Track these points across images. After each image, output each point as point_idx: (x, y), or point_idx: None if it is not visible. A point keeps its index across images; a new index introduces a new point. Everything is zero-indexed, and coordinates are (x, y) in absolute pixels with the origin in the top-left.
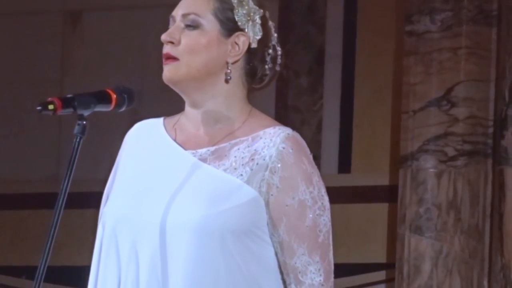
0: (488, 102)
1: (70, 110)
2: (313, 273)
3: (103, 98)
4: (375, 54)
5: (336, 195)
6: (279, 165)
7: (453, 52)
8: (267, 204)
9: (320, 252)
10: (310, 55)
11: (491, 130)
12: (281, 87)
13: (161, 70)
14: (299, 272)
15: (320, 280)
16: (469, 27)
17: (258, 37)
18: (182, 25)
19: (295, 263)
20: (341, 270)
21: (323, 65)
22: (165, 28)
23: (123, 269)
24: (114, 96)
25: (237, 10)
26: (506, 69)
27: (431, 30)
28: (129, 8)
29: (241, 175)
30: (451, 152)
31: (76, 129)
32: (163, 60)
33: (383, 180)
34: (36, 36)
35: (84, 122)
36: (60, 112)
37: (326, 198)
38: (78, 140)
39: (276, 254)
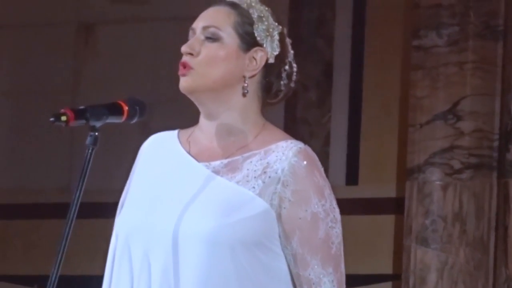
0: (493, 116)
1: (83, 121)
2: (327, 284)
3: (115, 109)
4: (382, 68)
5: (344, 206)
6: (291, 179)
7: (460, 66)
8: (279, 217)
9: (333, 264)
10: (318, 68)
11: (496, 143)
12: (290, 100)
13: (172, 82)
14: (313, 284)
15: None
16: (476, 42)
17: (276, 53)
18: (202, 37)
19: (309, 274)
20: (349, 280)
21: (331, 78)
22: (178, 40)
23: (136, 278)
24: (126, 108)
25: (256, 26)
26: (511, 83)
27: (438, 45)
28: (141, 21)
29: (253, 187)
30: (457, 165)
31: (88, 140)
32: (180, 69)
33: (390, 192)
34: (49, 48)
35: (96, 133)
36: (73, 123)
37: (337, 210)
38: (90, 151)
39: (287, 265)
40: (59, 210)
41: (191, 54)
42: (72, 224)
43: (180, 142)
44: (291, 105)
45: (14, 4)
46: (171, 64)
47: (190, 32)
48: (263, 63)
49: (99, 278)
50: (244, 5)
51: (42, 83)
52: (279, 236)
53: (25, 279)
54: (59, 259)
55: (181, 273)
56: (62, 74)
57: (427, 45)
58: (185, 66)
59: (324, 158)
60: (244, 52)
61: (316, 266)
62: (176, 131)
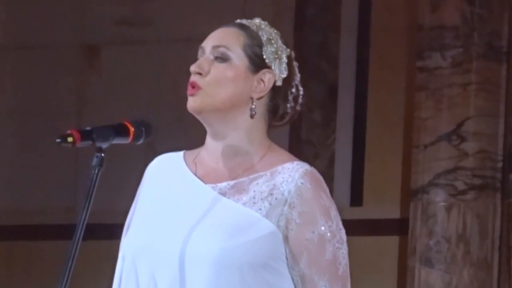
0: (497, 137)
1: (89, 142)
2: None
3: (121, 130)
4: (387, 89)
5: (348, 227)
6: (298, 201)
7: (463, 87)
8: (285, 238)
9: (341, 284)
10: (323, 90)
11: (500, 164)
12: (295, 121)
13: (176, 103)
14: None
15: None
16: (479, 63)
17: (284, 76)
18: (212, 57)
19: None
20: None
21: (336, 100)
22: (181, 62)
23: None
24: (132, 129)
25: (265, 48)
26: None
27: (442, 66)
28: (145, 42)
29: (260, 209)
30: (461, 186)
31: (95, 161)
32: (188, 88)
33: (394, 213)
34: (54, 69)
35: (103, 154)
36: (79, 144)
37: (343, 231)
38: (96, 172)
39: (294, 286)
40: (64, 231)
41: (199, 73)
42: (79, 245)
43: (186, 164)
44: (296, 126)
45: (20, 26)
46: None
47: (199, 51)
48: (270, 85)
49: None
50: (254, 27)
51: (47, 104)
52: (286, 258)
53: None
54: (65, 280)
55: None
56: (66, 95)
57: (431, 66)
58: (194, 86)
59: (328, 179)
60: (252, 73)
61: (324, 287)
62: (181, 152)
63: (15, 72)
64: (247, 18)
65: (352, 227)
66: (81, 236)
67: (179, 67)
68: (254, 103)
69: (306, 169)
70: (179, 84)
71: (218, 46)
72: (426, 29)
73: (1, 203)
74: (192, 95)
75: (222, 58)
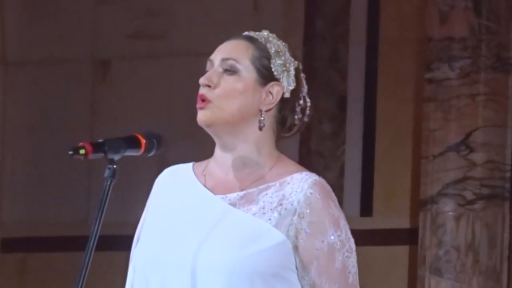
0: (505, 148)
1: (101, 154)
2: None
3: (133, 142)
4: (396, 101)
5: (358, 237)
6: (307, 211)
7: (472, 98)
8: (295, 248)
9: None
10: (333, 102)
11: (508, 174)
12: (305, 133)
13: (187, 116)
14: None
15: None
16: (487, 74)
17: (291, 88)
18: (221, 69)
19: None
20: None
21: (345, 111)
22: (193, 75)
23: None
24: (143, 141)
25: (274, 60)
26: None
27: (450, 77)
28: (156, 56)
29: (270, 219)
30: (469, 196)
31: (107, 173)
32: (198, 102)
33: (404, 223)
34: (67, 84)
35: (115, 166)
36: (91, 156)
37: (352, 240)
38: (108, 183)
39: None
40: (77, 243)
41: (209, 86)
42: (92, 256)
43: (196, 175)
44: (305, 138)
45: (32, 41)
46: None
47: (208, 64)
48: (279, 97)
49: None
50: (262, 40)
51: (60, 118)
52: (296, 267)
53: None
54: None
55: None
56: (79, 109)
57: (440, 77)
58: (203, 99)
59: (338, 190)
60: (261, 86)
61: None
62: (191, 164)
63: (29, 87)
64: (257, 31)
65: (363, 237)
66: (94, 247)
67: (190, 80)
68: (263, 115)
69: (315, 180)
70: (190, 97)
71: (227, 59)
72: (435, 40)
73: (16, 215)
74: (201, 108)
75: (231, 71)
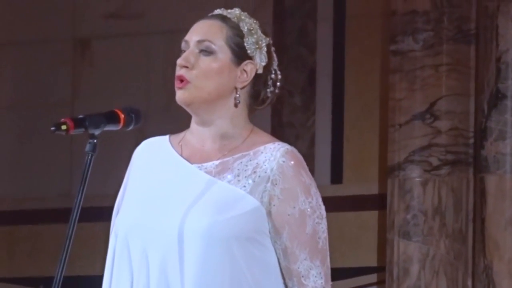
0: (468, 115)
1: (82, 129)
2: (315, 276)
3: (112, 118)
4: (363, 73)
5: (330, 204)
6: (280, 178)
7: (435, 69)
8: (269, 213)
9: (320, 257)
10: (302, 75)
11: (472, 141)
12: (276, 105)
13: (164, 92)
14: (302, 276)
15: (322, 282)
16: (449, 45)
17: (264, 64)
18: (197, 50)
19: (298, 267)
20: (336, 274)
21: (315, 84)
22: (169, 53)
23: (135, 273)
24: (122, 116)
25: (247, 39)
26: (484, 84)
27: (414, 49)
28: (134, 35)
29: (244, 186)
30: (435, 162)
31: (88, 147)
32: (176, 82)
33: (373, 189)
34: (48, 63)
35: (95, 141)
36: (73, 131)
37: (323, 207)
38: (89, 157)
39: (277, 259)
40: (61, 215)
41: (186, 67)
42: (75, 228)
43: (172, 146)
44: (277, 110)
45: (15, 23)
46: (163, 74)
47: (183, 44)
48: (253, 74)
49: (100, 278)
50: (235, 19)
51: (43, 96)
52: (270, 232)
53: (31, 280)
54: (62, 260)
55: (179, 266)
56: (61, 87)
57: (404, 49)
58: (182, 79)
59: (309, 159)
60: (235, 65)
61: (304, 260)
62: (167, 136)
63: (12, 67)
64: (229, 8)
65: (334, 204)
66: (77, 219)
67: (167, 57)
68: (238, 93)
69: (287, 149)
70: (167, 74)
71: (203, 40)
72: (399, 14)
73: (2, 190)
74: (180, 88)
75: (207, 51)
